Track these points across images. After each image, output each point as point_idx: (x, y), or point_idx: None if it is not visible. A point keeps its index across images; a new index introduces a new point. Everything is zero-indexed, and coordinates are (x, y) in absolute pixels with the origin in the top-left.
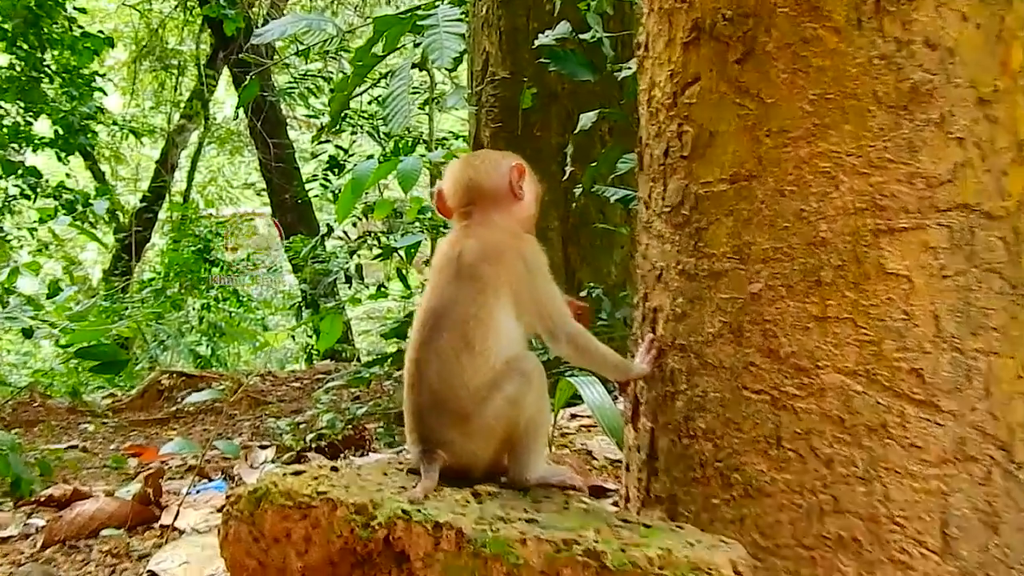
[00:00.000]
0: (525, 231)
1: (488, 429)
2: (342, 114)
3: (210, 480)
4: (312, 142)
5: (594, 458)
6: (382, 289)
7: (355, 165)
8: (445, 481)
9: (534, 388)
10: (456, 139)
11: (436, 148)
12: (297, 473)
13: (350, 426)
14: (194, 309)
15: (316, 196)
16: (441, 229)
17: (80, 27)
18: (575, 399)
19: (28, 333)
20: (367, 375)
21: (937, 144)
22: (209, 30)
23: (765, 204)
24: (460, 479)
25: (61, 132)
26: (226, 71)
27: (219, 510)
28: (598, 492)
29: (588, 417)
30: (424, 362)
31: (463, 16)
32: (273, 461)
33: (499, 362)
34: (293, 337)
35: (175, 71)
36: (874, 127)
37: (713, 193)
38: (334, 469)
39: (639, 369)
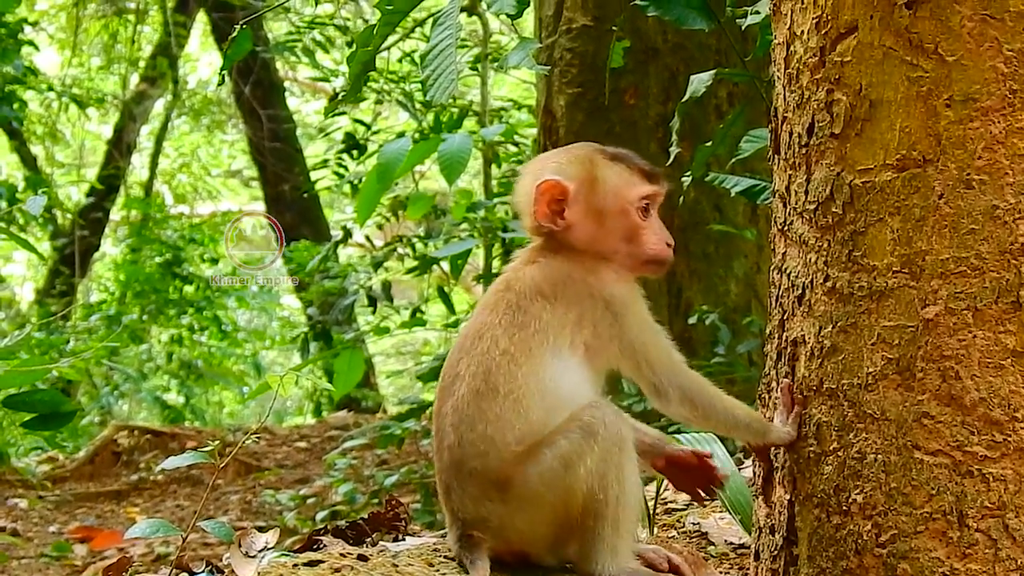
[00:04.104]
0: (621, 268)
1: (535, 499)
2: (364, 76)
3: (192, 574)
4: (325, 114)
5: (711, 543)
6: (418, 315)
7: (381, 146)
8: (502, 569)
9: (602, 448)
10: (518, 110)
11: (491, 122)
12: (312, 563)
13: (375, 499)
14: (160, 342)
15: (327, 188)
16: (498, 233)
17: None
18: None
19: None
20: (398, 431)
21: None
22: None
23: (945, 199)
24: (523, 565)
25: None
26: (202, 17)
27: None
28: None
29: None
30: (442, 415)
31: None
32: (274, 548)
33: (542, 411)
34: (296, 381)
35: (131, 17)
36: None
37: (874, 184)
38: (362, 558)
39: (780, 433)
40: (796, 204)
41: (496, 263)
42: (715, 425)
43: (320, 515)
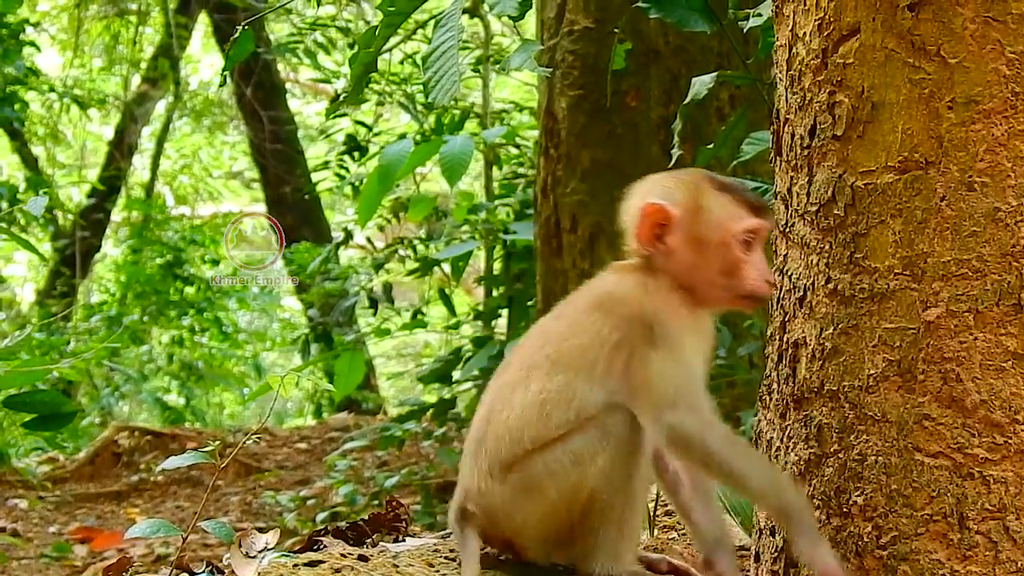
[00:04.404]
0: (713, 301)
1: (536, 488)
2: (366, 78)
3: (192, 574)
4: (327, 116)
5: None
6: (418, 317)
7: (382, 148)
8: (494, 561)
9: (615, 451)
10: (520, 112)
11: (493, 124)
12: (313, 564)
13: (376, 501)
14: (161, 343)
15: (328, 189)
16: (499, 235)
17: None
18: None
19: None
20: (398, 433)
21: None
22: None
23: (946, 201)
24: (505, 551)
25: None
26: (204, 18)
27: None
28: None
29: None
30: (488, 390)
31: None
32: (275, 549)
33: (563, 422)
34: (297, 382)
35: (133, 18)
36: None
37: (876, 186)
38: (362, 558)
39: (823, 549)
40: (798, 206)
41: (497, 265)
42: (736, 476)
43: (320, 516)
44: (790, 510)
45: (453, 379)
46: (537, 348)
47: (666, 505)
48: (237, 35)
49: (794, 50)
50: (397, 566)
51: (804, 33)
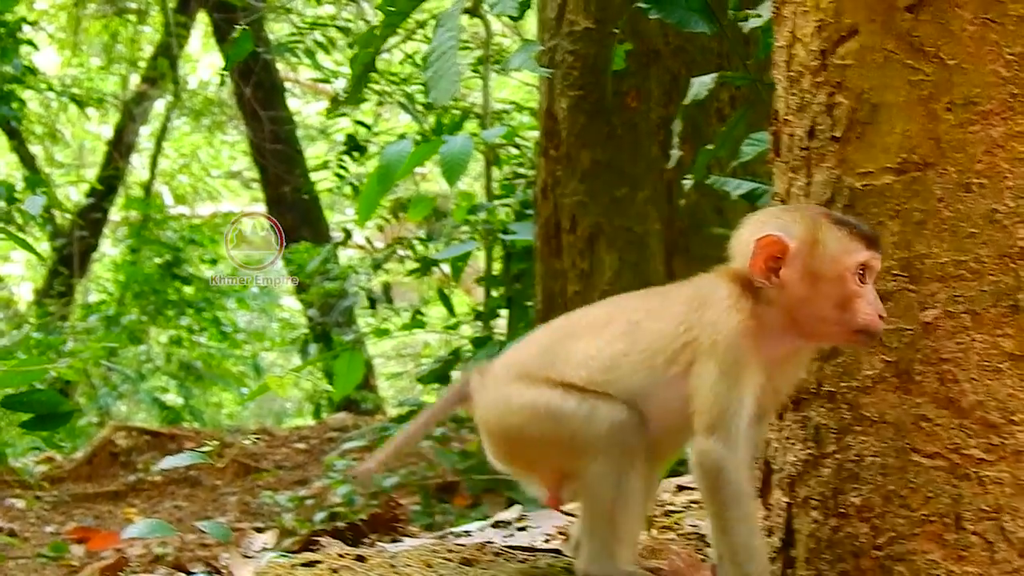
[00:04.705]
0: (825, 337)
1: (513, 415)
2: (365, 77)
3: (189, 574)
4: (325, 116)
5: (708, 544)
6: (418, 317)
7: (382, 147)
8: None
9: (595, 434)
10: (520, 112)
11: (493, 125)
12: (310, 564)
13: (374, 501)
14: (159, 343)
15: (328, 189)
16: (499, 235)
17: None
18: (682, 465)
19: None
20: (397, 433)
21: None
22: None
23: (945, 203)
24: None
25: None
26: (203, 17)
27: None
28: None
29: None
30: (560, 319)
31: None
32: (273, 549)
33: (603, 376)
34: (296, 382)
35: (132, 17)
36: None
37: (875, 187)
38: (360, 558)
39: None
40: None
41: (497, 265)
42: (724, 529)
43: (319, 516)
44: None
45: (452, 379)
46: (626, 309)
47: (663, 504)
48: (237, 35)
49: (793, 51)
50: (395, 566)
51: (803, 34)
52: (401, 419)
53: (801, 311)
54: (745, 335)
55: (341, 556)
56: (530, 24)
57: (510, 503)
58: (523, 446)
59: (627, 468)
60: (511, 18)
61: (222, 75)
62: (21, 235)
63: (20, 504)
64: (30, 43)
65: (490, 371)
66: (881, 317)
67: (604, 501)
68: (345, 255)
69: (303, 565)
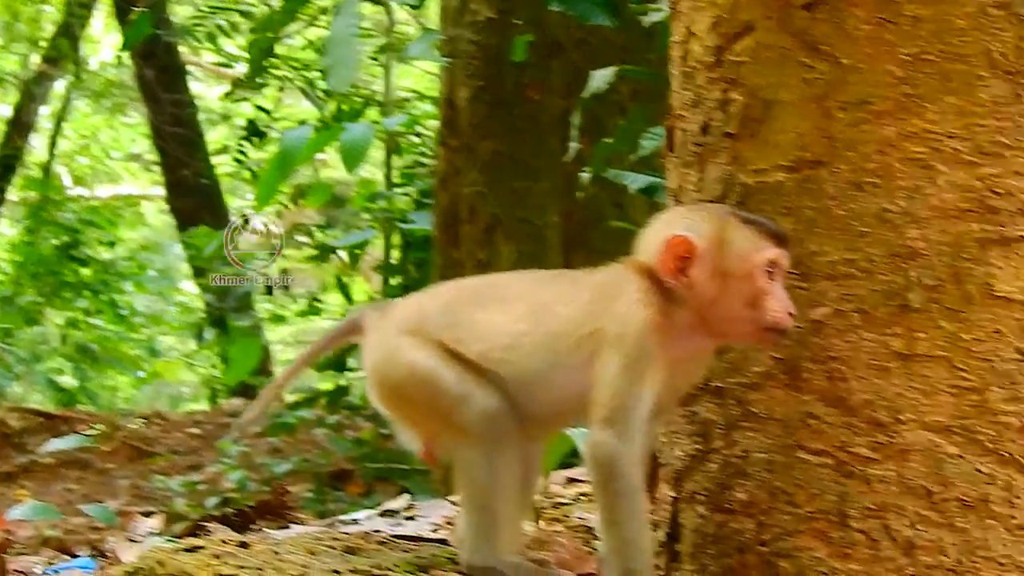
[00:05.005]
0: (722, 334)
1: (395, 369)
2: (264, 62)
3: (73, 557)
4: (224, 99)
5: (596, 537)
6: (315, 304)
7: (282, 133)
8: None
9: (467, 418)
10: (422, 101)
11: (394, 113)
12: (192, 549)
13: (267, 488)
14: (56, 324)
15: (227, 174)
16: (398, 223)
17: None
18: (573, 456)
19: None
20: (292, 420)
21: None
22: None
23: (836, 201)
24: None
25: None
26: None
27: None
28: None
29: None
30: (473, 281)
31: None
32: (160, 533)
33: (499, 354)
34: (192, 366)
35: None
36: (986, 100)
37: (767, 185)
38: (243, 545)
39: None
40: (690, 202)
41: (395, 253)
42: (612, 522)
43: (211, 502)
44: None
45: (347, 367)
46: (536, 289)
47: (552, 496)
48: (135, 16)
49: (688, 47)
50: (278, 553)
51: (699, 30)
52: (297, 405)
53: (710, 310)
54: (652, 331)
55: (225, 542)
56: (432, 13)
57: (403, 491)
58: (400, 401)
59: (498, 456)
60: (411, 6)
61: (119, 56)
62: None
63: None
64: None
65: (388, 313)
66: (791, 314)
67: (478, 489)
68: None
69: (186, 550)
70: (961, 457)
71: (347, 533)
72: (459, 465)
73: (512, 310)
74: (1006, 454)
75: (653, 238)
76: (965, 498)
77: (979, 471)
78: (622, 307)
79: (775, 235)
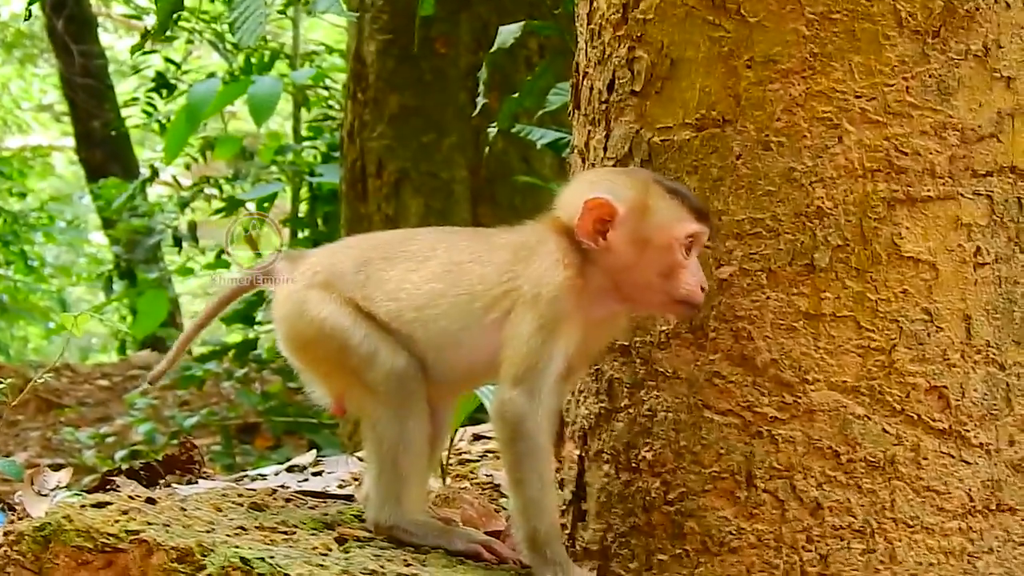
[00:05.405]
0: (633, 301)
1: (304, 323)
2: (174, 15)
3: None
4: (133, 52)
5: (503, 495)
6: (223, 256)
7: (191, 86)
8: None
9: (373, 378)
10: (330, 54)
11: (303, 66)
12: (100, 505)
13: (175, 440)
14: None
15: (136, 126)
16: (306, 177)
17: None
18: (480, 413)
19: None
20: (199, 373)
21: (978, 85)
22: None
23: (742, 160)
24: None
25: None
26: None
27: None
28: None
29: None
30: (390, 234)
31: None
32: (68, 487)
33: (411, 314)
34: (100, 319)
35: None
36: (893, 59)
37: (673, 143)
38: (150, 501)
39: (574, 574)
40: (595, 160)
41: (303, 207)
42: (518, 481)
43: (119, 454)
44: (539, 537)
45: (256, 320)
46: (450, 247)
47: (460, 453)
48: None
49: (595, 4)
50: (185, 509)
51: None
52: (204, 358)
53: (625, 276)
54: (568, 292)
55: (132, 498)
56: None
57: (311, 446)
58: (309, 355)
59: (406, 416)
60: None
61: (27, 9)
62: None
63: None
64: None
65: (300, 263)
66: (703, 290)
67: (385, 447)
68: (154, 193)
69: (94, 506)
70: (868, 418)
71: (253, 489)
72: (366, 423)
73: (425, 269)
74: (913, 415)
75: (573, 198)
76: (872, 459)
77: (886, 432)
78: (539, 267)
79: (697, 210)
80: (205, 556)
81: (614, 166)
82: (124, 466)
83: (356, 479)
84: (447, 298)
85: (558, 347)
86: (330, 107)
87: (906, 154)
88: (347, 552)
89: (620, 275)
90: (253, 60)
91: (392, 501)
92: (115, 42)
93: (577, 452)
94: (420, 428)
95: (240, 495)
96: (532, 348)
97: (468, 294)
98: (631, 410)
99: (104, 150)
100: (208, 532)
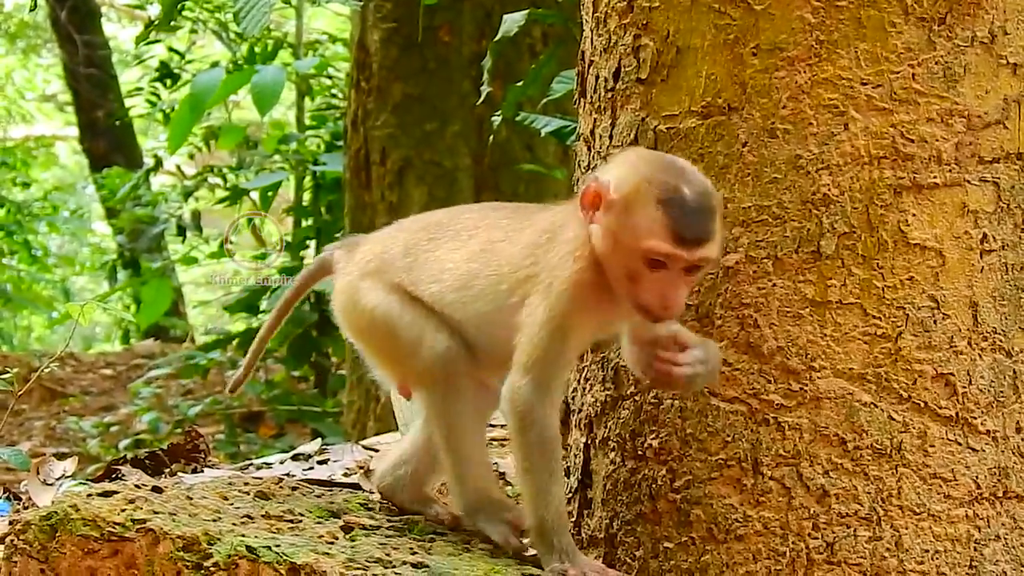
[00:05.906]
0: (613, 288)
1: (357, 313)
2: (178, 5)
3: None
4: (137, 42)
5: (508, 483)
6: (227, 246)
7: (195, 75)
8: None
9: (420, 363)
10: (334, 43)
11: (306, 55)
12: (106, 494)
13: (179, 429)
14: None
15: (140, 115)
16: (309, 166)
17: None
18: None
19: None
20: (204, 361)
21: (984, 71)
22: None
23: (748, 147)
24: None
25: None
26: None
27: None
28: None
29: (502, 426)
30: (437, 215)
31: None
32: (74, 476)
33: (454, 295)
34: (104, 308)
35: None
36: (899, 46)
37: (679, 131)
38: (156, 489)
39: (580, 563)
40: (601, 148)
41: (306, 196)
42: (526, 470)
43: (123, 443)
44: (546, 526)
45: (260, 309)
46: (491, 224)
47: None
48: None
49: None
50: (191, 498)
51: None
52: (208, 347)
53: (604, 263)
54: (577, 287)
55: (138, 487)
56: None
57: (315, 434)
58: (366, 344)
59: (454, 398)
60: None
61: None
62: None
63: None
64: None
65: (354, 252)
66: (666, 308)
67: (441, 433)
68: (157, 182)
69: (100, 495)
70: (874, 405)
71: (259, 478)
72: (426, 408)
73: (466, 249)
74: (920, 402)
75: (597, 174)
76: (878, 446)
77: (892, 419)
78: (556, 256)
79: (678, 233)
80: (211, 545)
81: (619, 150)
82: (130, 455)
83: (361, 467)
84: (480, 279)
85: (569, 341)
86: (333, 96)
87: (912, 141)
88: (353, 540)
89: (601, 258)
90: (257, 49)
91: (455, 485)
92: (119, 32)
93: (583, 439)
94: (469, 410)
95: (246, 484)
96: (542, 339)
97: (496, 275)
98: (637, 397)
99: (108, 140)
100: (214, 521)
